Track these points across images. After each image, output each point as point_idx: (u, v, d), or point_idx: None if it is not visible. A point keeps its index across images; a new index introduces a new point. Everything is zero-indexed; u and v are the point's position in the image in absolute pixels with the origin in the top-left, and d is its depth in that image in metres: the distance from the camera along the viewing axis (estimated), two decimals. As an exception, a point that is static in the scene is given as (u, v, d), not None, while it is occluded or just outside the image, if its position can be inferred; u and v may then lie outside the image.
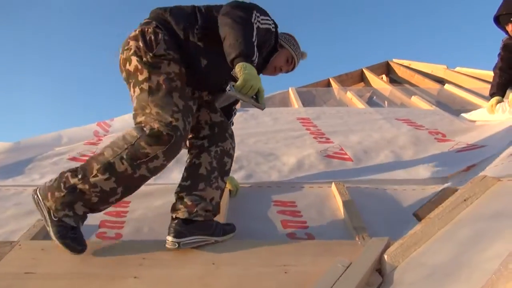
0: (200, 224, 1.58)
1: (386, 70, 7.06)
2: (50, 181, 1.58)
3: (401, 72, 6.57)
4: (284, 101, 5.13)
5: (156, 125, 1.48)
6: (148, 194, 2.14)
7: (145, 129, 1.49)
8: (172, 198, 2.06)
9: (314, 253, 1.49)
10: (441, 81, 5.48)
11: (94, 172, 1.50)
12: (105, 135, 3.43)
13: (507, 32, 3.23)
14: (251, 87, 1.49)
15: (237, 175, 2.45)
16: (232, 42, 1.53)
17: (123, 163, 1.49)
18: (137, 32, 1.64)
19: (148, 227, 1.85)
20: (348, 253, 1.46)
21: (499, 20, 3.23)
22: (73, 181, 1.51)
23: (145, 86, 1.56)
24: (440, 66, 5.87)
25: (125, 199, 2.06)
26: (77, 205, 1.52)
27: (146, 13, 1.75)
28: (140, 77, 1.57)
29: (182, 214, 1.58)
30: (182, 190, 1.65)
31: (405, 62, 6.77)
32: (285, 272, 1.40)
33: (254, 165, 2.59)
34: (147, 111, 1.53)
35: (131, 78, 1.61)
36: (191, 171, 1.70)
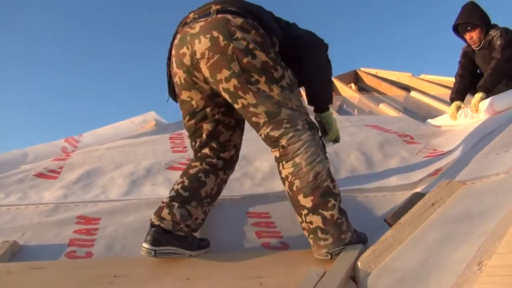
0: (179, 237, 1.56)
1: (354, 78, 7.23)
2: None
3: (368, 81, 6.74)
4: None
5: (303, 118, 1.59)
6: (120, 210, 2.10)
7: (299, 126, 1.55)
8: (144, 214, 2.04)
9: (289, 264, 1.50)
10: (407, 88, 5.64)
11: (333, 184, 1.55)
12: (73, 151, 3.35)
13: (465, 41, 3.38)
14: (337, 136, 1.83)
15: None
16: (325, 93, 1.87)
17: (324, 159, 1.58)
18: (241, 20, 1.54)
19: (120, 244, 1.81)
20: (322, 262, 1.47)
21: (458, 29, 3.38)
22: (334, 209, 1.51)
23: (284, 83, 1.57)
24: (406, 74, 6.06)
25: (95, 215, 2.03)
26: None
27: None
28: (276, 74, 1.55)
29: (166, 225, 1.56)
30: (177, 198, 1.62)
31: (372, 71, 6.96)
32: (260, 284, 1.39)
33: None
34: (290, 105, 1.56)
35: (258, 74, 1.52)
36: (193, 185, 1.67)
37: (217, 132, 1.76)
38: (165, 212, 1.58)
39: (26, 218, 2.07)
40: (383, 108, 4.65)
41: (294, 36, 1.76)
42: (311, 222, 1.50)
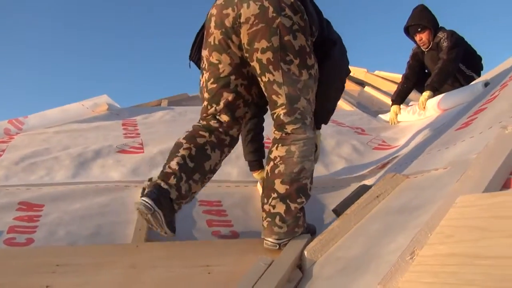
0: (172, 209, 1.57)
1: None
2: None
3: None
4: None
5: (311, 116, 1.64)
6: (65, 197, 2.01)
7: (307, 122, 1.60)
8: (92, 201, 1.98)
9: (238, 252, 1.51)
10: (361, 83, 5.81)
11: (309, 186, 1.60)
12: (17, 133, 3.17)
13: (415, 42, 3.53)
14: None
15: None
16: (330, 111, 2.00)
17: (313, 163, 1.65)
18: (295, 4, 1.55)
19: (65, 230, 1.74)
20: (270, 252, 1.50)
21: (409, 31, 3.51)
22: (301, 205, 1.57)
23: (313, 72, 1.62)
24: (361, 69, 6.22)
25: (38, 202, 1.94)
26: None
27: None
28: (309, 62, 1.60)
29: (172, 194, 1.54)
30: (184, 168, 1.59)
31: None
32: (209, 273, 1.40)
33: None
34: (308, 97, 1.61)
35: (293, 55, 1.55)
36: (199, 156, 1.64)
37: (236, 105, 1.71)
38: (172, 180, 1.54)
39: (-39, 203, 1.94)
40: (339, 102, 4.75)
41: (329, 38, 1.81)
42: (274, 207, 1.54)
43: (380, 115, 3.78)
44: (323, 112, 1.91)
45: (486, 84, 2.68)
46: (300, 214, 1.57)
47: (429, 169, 1.53)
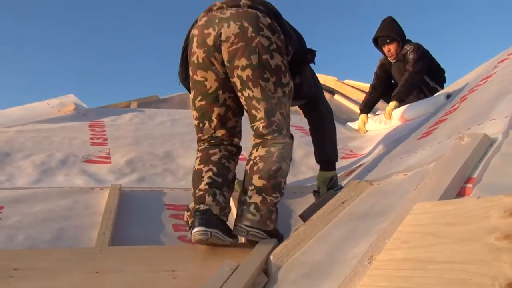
0: (222, 221, 1.62)
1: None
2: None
3: (297, 81, 6.93)
4: (183, 103, 5.07)
5: (287, 128, 1.75)
6: (26, 199, 1.96)
7: (284, 132, 1.72)
8: (55, 204, 1.92)
9: (203, 257, 1.51)
10: (331, 91, 5.91)
11: (283, 186, 1.68)
12: (-24, 132, 3.04)
13: (383, 52, 3.64)
14: None
15: (130, 178, 2.36)
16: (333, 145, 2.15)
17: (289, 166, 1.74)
18: (269, 21, 1.67)
19: (25, 235, 1.68)
20: (236, 256, 1.50)
21: (378, 41, 3.62)
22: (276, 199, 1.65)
23: (287, 90, 1.73)
24: (332, 78, 6.34)
25: (-4, 204, 1.87)
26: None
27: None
28: (284, 80, 1.71)
29: (214, 209, 1.60)
30: (214, 185, 1.66)
31: (301, 72, 7.17)
32: (174, 278, 1.39)
33: (148, 168, 2.52)
34: (282, 111, 1.71)
35: (270, 73, 1.66)
36: (221, 171, 1.72)
37: (227, 118, 1.78)
38: (208, 199, 1.60)
39: None
40: (308, 108, 4.82)
41: (314, 98, 1.99)
42: (250, 197, 1.62)
43: (348, 123, 3.86)
44: (330, 146, 2.15)
45: (448, 96, 2.79)
46: (273, 208, 1.64)
47: (390, 175, 1.59)
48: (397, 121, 3.18)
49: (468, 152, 1.12)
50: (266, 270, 1.44)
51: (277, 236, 1.63)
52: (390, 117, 3.23)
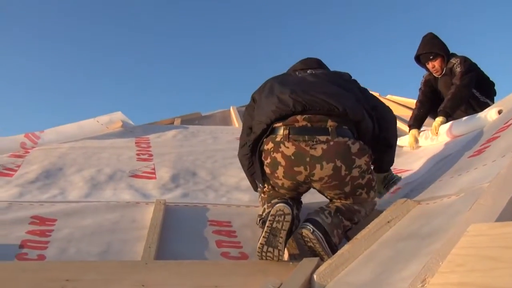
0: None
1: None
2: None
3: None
4: (225, 119, 5.15)
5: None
6: (77, 212, 2.04)
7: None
8: (103, 218, 2.00)
9: (246, 273, 1.50)
10: (374, 107, 5.80)
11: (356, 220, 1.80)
12: (33, 147, 3.23)
13: (427, 69, 3.54)
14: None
15: (174, 193, 2.41)
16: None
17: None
18: (359, 146, 1.73)
19: (75, 248, 1.75)
20: (279, 274, 1.48)
21: (420, 59, 3.53)
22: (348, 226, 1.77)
23: (375, 187, 1.86)
24: (374, 94, 6.24)
25: (50, 217, 1.97)
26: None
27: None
28: (373, 183, 1.82)
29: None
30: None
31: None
32: (217, 293, 1.39)
33: (191, 184, 2.57)
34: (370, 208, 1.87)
35: (361, 189, 1.77)
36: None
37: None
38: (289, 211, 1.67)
39: (-24, 215, 1.98)
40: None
41: (371, 106, 1.96)
42: (326, 209, 1.74)
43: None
44: (391, 161, 2.12)
45: (500, 111, 2.66)
46: (341, 230, 1.72)
47: (441, 195, 1.52)
48: (445, 137, 3.06)
49: (526, 171, 1.06)
50: (309, 290, 1.41)
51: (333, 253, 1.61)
52: (437, 132, 3.11)
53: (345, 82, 1.96)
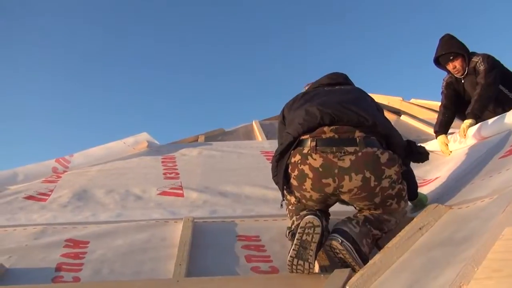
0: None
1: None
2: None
3: (360, 104, 6.79)
4: (248, 134, 5.18)
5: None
6: (109, 234, 2.09)
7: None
8: (134, 238, 2.03)
9: (278, 287, 1.49)
10: (397, 112, 5.72)
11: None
12: (64, 171, 3.34)
13: (448, 71, 3.46)
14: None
15: (201, 210, 2.43)
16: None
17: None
18: (388, 156, 1.69)
19: (109, 269, 1.79)
20: (311, 286, 1.47)
21: (439, 61, 3.46)
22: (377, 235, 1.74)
23: (406, 196, 1.82)
24: (396, 98, 6.14)
25: (83, 239, 2.02)
26: None
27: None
28: (404, 193, 1.79)
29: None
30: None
31: (364, 95, 7.03)
32: (249, 309, 1.39)
33: (218, 199, 2.59)
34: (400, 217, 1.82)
35: (392, 199, 1.73)
36: None
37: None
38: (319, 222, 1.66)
39: (14, 240, 2.05)
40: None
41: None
42: (353, 218, 1.72)
43: (419, 144, 3.68)
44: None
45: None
46: (370, 239, 1.68)
47: (474, 199, 1.48)
48: (474, 139, 2.97)
49: (561, 170, 1.02)
50: (343, 301, 1.39)
51: (364, 263, 1.58)
52: (466, 135, 3.03)
53: (371, 101, 1.97)
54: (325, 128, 1.74)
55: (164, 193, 2.70)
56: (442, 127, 3.38)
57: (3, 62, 13.93)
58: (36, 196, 2.74)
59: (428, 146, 3.51)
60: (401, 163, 1.75)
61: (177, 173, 3.13)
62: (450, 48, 3.36)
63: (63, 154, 3.63)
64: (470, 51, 3.37)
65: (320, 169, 1.68)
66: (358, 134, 1.70)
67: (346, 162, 1.65)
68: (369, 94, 2.07)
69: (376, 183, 1.65)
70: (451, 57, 3.34)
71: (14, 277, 1.71)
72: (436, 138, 3.37)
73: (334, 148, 1.68)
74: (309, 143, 1.73)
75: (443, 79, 3.58)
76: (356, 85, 2.17)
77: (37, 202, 2.65)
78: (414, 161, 1.97)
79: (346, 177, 1.64)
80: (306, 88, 2.22)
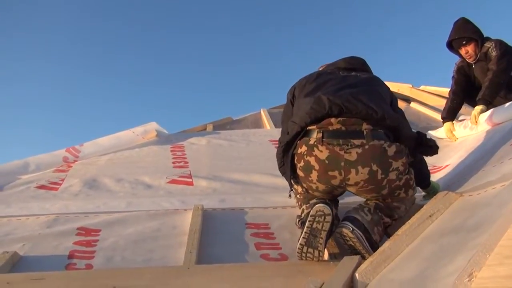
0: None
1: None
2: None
3: (369, 92, 6.74)
4: (256, 122, 5.17)
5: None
6: (120, 222, 2.11)
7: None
8: (144, 226, 2.06)
9: (287, 275, 1.50)
10: (407, 99, 5.66)
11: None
12: (75, 160, 3.38)
13: (460, 55, 3.41)
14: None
15: (211, 198, 2.45)
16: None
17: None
18: (395, 149, 1.68)
19: (120, 256, 1.81)
20: (320, 273, 1.48)
21: (452, 45, 3.40)
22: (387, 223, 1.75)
23: (414, 184, 1.81)
24: (406, 85, 6.08)
25: (95, 227, 2.05)
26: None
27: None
28: (411, 182, 1.77)
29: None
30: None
31: (373, 82, 6.96)
32: (259, 295, 1.40)
33: (227, 188, 2.60)
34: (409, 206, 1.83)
35: (400, 190, 1.73)
36: None
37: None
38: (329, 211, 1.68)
39: (27, 229, 2.09)
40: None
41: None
42: (365, 205, 1.73)
43: (430, 131, 3.65)
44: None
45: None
46: (382, 224, 1.69)
47: (485, 185, 1.47)
48: (485, 126, 2.94)
49: None
50: (352, 288, 1.40)
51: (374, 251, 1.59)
52: (477, 121, 3.00)
53: (385, 91, 1.94)
54: (332, 120, 1.71)
55: (173, 182, 2.72)
56: (450, 114, 3.35)
57: (11, 53, 14.03)
58: (48, 185, 2.78)
59: (438, 133, 3.49)
60: (408, 154, 1.73)
61: (186, 162, 3.15)
62: (463, 33, 3.31)
63: (73, 144, 3.67)
64: (485, 36, 3.31)
65: (326, 161, 1.66)
66: (365, 126, 1.68)
67: (352, 155, 1.63)
68: None
69: (383, 176, 1.64)
70: (464, 42, 3.29)
71: (28, 265, 1.74)
72: (443, 124, 3.34)
73: (340, 140, 1.66)
74: (315, 134, 1.71)
75: (455, 63, 3.53)
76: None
77: (49, 191, 2.69)
78: (422, 154, 1.95)
79: (353, 170, 1.63)
80: (322, 68, 2.17)
